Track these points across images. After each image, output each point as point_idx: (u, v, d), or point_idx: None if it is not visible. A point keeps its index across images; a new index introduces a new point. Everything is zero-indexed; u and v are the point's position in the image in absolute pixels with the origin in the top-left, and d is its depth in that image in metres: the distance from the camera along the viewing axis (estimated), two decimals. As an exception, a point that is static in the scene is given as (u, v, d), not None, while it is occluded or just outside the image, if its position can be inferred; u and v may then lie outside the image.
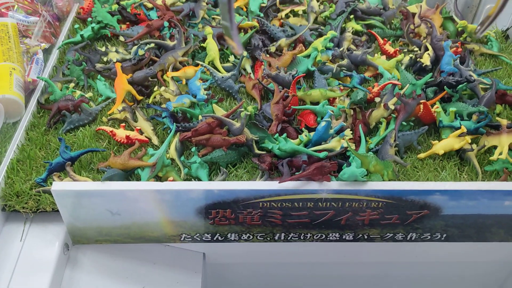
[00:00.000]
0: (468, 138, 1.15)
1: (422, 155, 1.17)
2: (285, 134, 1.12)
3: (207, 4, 1.58)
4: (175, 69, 1.37)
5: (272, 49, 1.45)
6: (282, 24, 1.57)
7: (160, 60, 1.37)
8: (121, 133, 1.18)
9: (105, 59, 1.44)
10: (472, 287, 1.45)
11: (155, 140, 1.20)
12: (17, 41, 1.38)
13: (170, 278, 1.13)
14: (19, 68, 1.32)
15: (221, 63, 1.42)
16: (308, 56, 1.41)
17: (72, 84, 1.35)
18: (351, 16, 1.59)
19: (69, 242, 1.10)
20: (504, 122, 1.18)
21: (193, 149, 1.13)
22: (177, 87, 1.29)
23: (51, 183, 1.04)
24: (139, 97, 1.31)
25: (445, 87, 1.27)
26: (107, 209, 1.02)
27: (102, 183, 1.00)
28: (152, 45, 1.45)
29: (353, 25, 1.57)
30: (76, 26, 1.56)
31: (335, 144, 1.12)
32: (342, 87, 1.31)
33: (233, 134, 1.14)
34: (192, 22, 1.57)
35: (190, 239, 1.10)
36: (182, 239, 1.10)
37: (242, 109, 1.17)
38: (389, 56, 1.48)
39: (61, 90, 1.33)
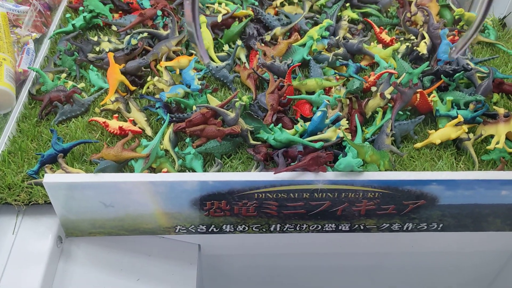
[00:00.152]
0: (465, 127, 1.15)
1: (418, 145, 1.17)
2: (280, 124, 1.12)
3: (201, -8, 1.56)
4: (169, 58, 1.35)
5: (267, 38, 1.44)
6: (277, 13, 1.55)
7: (153, 49, 1.36)
8: (114, 124, 1.17)
9: (97, 49, 1.42)
10: (468, 276, 1.45)
11: (148, 131, 1.19)
12: (7, 31, 1.35)
13: (165, 270, 1.12)
14: (10, 59, 1.30)
15: (215, 52, 1.41)
16: (303, 45, 1.40)
17: (64, 75, 1.33)
18: (347, 4, 1.58)
19: (62, 234, 1.09)
20: (501, 111, 1.17)
21: (187, 140, 1.12)
22: (170, 77, 1.27)
23: (43, 175, 1.02)
24: (132, 88, 1.30)
25: (442, 76, 1.25)
26: (100, 201, 1.01)
27: (95, 175, 0.99)
28: (145, 34, 1.43)
29: (349, 14, 1.55)
30: (68, 15, 1.54)
31: (331, 134, 1.11)
32: (338, 77, 1.30)
33: (228, 125, 1.13)
34: (185, 11, 1.55)
35: (185, 231, 1.10)
36: (177, 230, 1.10)
37: (237, 99, 1.16)
38: (386, 45, 1.47)
39: (52, 80, 1.32)
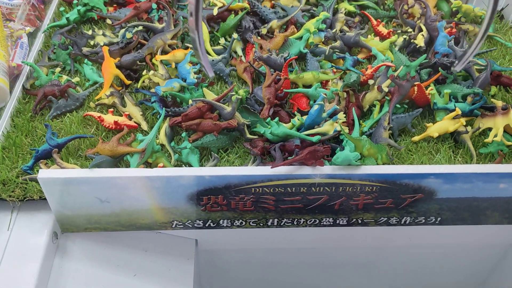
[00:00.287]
0: (463, 120, 1.14)
1: (416, 138, 1.16)
2: (277, 118, 1.11)
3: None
4: (164, 52, 1.34)
5: (264, 31, 1.43)
6: (274, 5, 1.54)
7: (148, 43, 1.34)
8: (109, 118, 1.16)
9: (92, 42, 1.41)
10: (465, 269, 1.46)
11: (144, 126, 1.18)
12: (0, 25, 1.34)
13: (162, 266, 1.12)
14: (3, 53, 1.28)
15: (211, 45, 1.40)
16: (300, 38, 1.38)
17: (58, 69, 1.32)
18: (344, -3, 1.57)
19: (58, 230, 1.09)
20: (499, 103, 1.16)
21: (184, 134, 1.12)
22: (166, 71, 1.26)
23: (38, 171, 1.01)
24: (128, 82, 1.28)
25: (439, 68, 1.25)
26: (96, 197, 1.00)
27: (90, 170, 0.98)
28: (140, 27, 1.41)
29: (345, 6, 1.54)
30: (62, 8, 1.52)
31: (328, 127, 1.10)
32: (335, 70, 1.30)
33: (224, 119, 1.12)
34: (181, 4, 1.54)
35: (181, 226, 1.09)
36: (173, 226, 1.09)
37: (233, 93, 1.15)
38: (383, 38, 1.46)
39: (46, 75, 1.30)
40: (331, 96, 1.20)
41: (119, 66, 1.28)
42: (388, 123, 1.13)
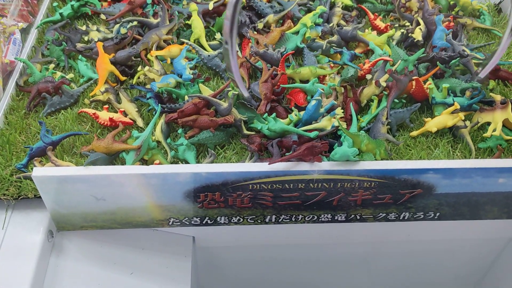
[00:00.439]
0: (462, 115, 1.14)
1: (414, 133, 1.15)
2: (274, 114, 1.10)
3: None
4: (159, 48, 1.33)
5: (260, 25, 1.41)
6: (270, 0, 1.52)
7: (143, 38, 1.33)
8: (104, 115, 1.15)
9: (86, 38, 1.39)
10: (464, 264, 1.45)
11: (140, 122, 1.16)
12: (-8, 21, 1.32)
13: (159, 263, 1.11)
14: (-4, 49, 1.26)
15: (207, 41, 1.38)
16: (296, 32, 1.37)
17: (52, 65, 1.30)
18: (341, -9, 1.55)
19: (53, 229, 1.08)
20: (497, 97, 1.15)
21: (180, 130, 1.10)
22: (161, 66, 1.25)
23: (32, 169, 1.00)
24: (122, 78, 1.27)
25: (437, 62, 1.24)
26: (92, 195, 0.99)
27: (85, 167, 0.97)
28: (135, 23, 1.40)
29: (342, 0, 1.53)
30: (55, 4, 1.50)
31: (326, 123, 1.09)
32: (332, 64, 1.28)
33: (221, 115, 1.11)
34: (176, -1, 1.52)
35: (178, 223, 1.08)
36: (170, 223, 1.08)
37: (230, 89, 1.14)
38: (380, 32, 1.45)
39: (40, 71, 1.29)
40: (329, 91, 1.19)
41: (113, 62, 1.27)
42: (386, 118, 1.12)
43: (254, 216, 1.08)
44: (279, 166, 0.98)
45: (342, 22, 1.47)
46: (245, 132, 1.12)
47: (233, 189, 1.00)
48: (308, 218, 1.09)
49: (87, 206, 1.01)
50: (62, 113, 1.20)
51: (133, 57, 1.29)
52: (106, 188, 0.98)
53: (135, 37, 1.36)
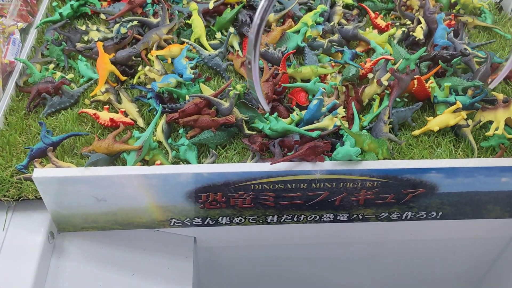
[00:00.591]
0: (464, 114, 1.13)
1: (416, 132, 1.15)
2: (276, 113, 1.09)
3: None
4: (160, 47, 1.32)
5: (260, 25, 1.40)
6: (270, -1, 1.52)
7: (143, 38, 1.33)
8: (104, 115, 1.14)
9: (86, 38, 1.39)
10: (466, 263, 1.45)
11: (140, 122, 1.16)
12: (-9, 21, 1.31)
13: (161, 264, 1.10)
14: (-5, 49, 1.26)
15: (207, 40, 1.37)
16: (297, 31, 1.37)
17: (51, 65, 1.30)
18: (341, -10, 1.55)
19: (54, 230, 1.07)
20: (500, 96, 1.15)
21: (181, 130, 1.10)
22: (162, 66, 1.24)
23: (32, 170, 1.00)
24: (123, 78, 1.26)
25: (439, 61, 1.23)
26: (92, 196, 0.99)
27: (86, 168, 0.96)
28: (135, 22, 1.40)
29: (343, -1, 1.53)
30: (54, 3, 1.49)
31: (327, 122, 1.09)
32: (333, 63, 1.28)
33: (222, 114, 1.10)
34: (176, -2, 1.52)
35: (180, 224, 1.08)
36: (171, 224, 1.07)
37: (231, 88, 1.14)
38: (381, 30, 1.44)
39: (40, 71, 1.28)
40: (330, 90, 1.18)
41: (114, 62, 1.26)
42: (388, 117, 1.12)
43: (256, 217, 1.07)
44: (281, 166, 0.97)
45: (343, 21, 1.46)
46: (247, 132, 1.12)
47: (234, 189, 0.99)
48: (310, 218, 1.09)
49: (88, 207, 1.01)
50: (62, 114, 1.19)
51: (133, 57, 1.29)
52: (107, 189, 0.97)
53: (135, 37, 1.35)
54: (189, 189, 0.99)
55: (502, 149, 1.10)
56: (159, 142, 1.11)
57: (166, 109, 1.14)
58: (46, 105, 1.19)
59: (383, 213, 1.08)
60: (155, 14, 1.42)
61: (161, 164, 1.04)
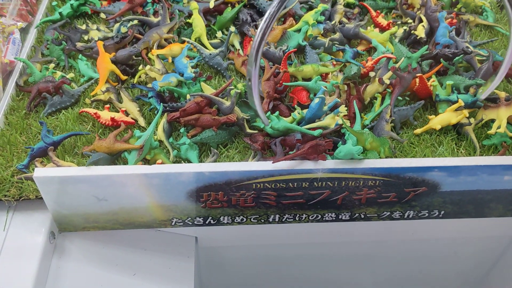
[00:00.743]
0: (466, 112, 1.13)
1: (418, 131, 1.14)
2: (277, 112, 1.09)
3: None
4: (160, 46, 1.32)
5: (261, 23, 1.40)
6: (271, -2, 1.52)
7: (144, 37, 1.32)
8: (105, 115, 1.14)
9: (86, 37, 1.38)
10: (468, 261, 1.44)
11: (141, 122, 1.15)
12: (-9, 20, 1.31)
13: (162, 264, 1.10)
14: (-5, 49, 1.25)
15: (208, 39, 1.37)
16: (298, 30, 1.36)
17: (52, 65, 1.29)
18: (342, -12, 1.54)
19: (55, 230, 1.07)
20: (502, 94, 1.15)
21: (182, 130, 1.10)
22: (163, 65, 1.24)
23: (33, 170, 0.99)
24: (124, 77, 1.26)
25: (441, 59, 1.23)
26: (93, 195, 0.98)
27: (87, 168, 0.96)
28: (135, 21, 1.39)
29: (344, -3, 1.52)
30: (54, 3, 1.49)
31: (329, 121, 1.08)
32: (334, 62, 1.27)
33: (223, 113, 1.10)
34: (176, -3, 1.51)
35: (181, 224, 1.07)
36: (173, 223, 1.07)
37: (232, 87, 1.13)
38: (383, 29, 1.44)
39: (40, 71, 1.28)
40: (332, 89, 1.18)
41: (114, 61, 1.26)
42: (390, 116, 1.11)
43: (258, 216, 1.07)
44: (283, 165, 0.97)
45: (344, 20, 1.46)
46: (248, 130, 1.11)
47: (236, 189, 0.99)
48: (312, 217, 1.08)
49: (89, 206, 1.00)
50: (63, 113, 1.19)
51: (134, 56, 1.28)
52: (108, 189, 0.97)
53: (135, 36, 1.35)
54: (190, 188, 0.98)
55: (504, 147, 1.09)
56: (160, 141, 1.10)
57: (167, 108, 1.14)
58: (47, 105, 1.19)
59: (385, 212, 1.08)
60: (155, 13, 1.42)
61: (162, 163, 1.03)
